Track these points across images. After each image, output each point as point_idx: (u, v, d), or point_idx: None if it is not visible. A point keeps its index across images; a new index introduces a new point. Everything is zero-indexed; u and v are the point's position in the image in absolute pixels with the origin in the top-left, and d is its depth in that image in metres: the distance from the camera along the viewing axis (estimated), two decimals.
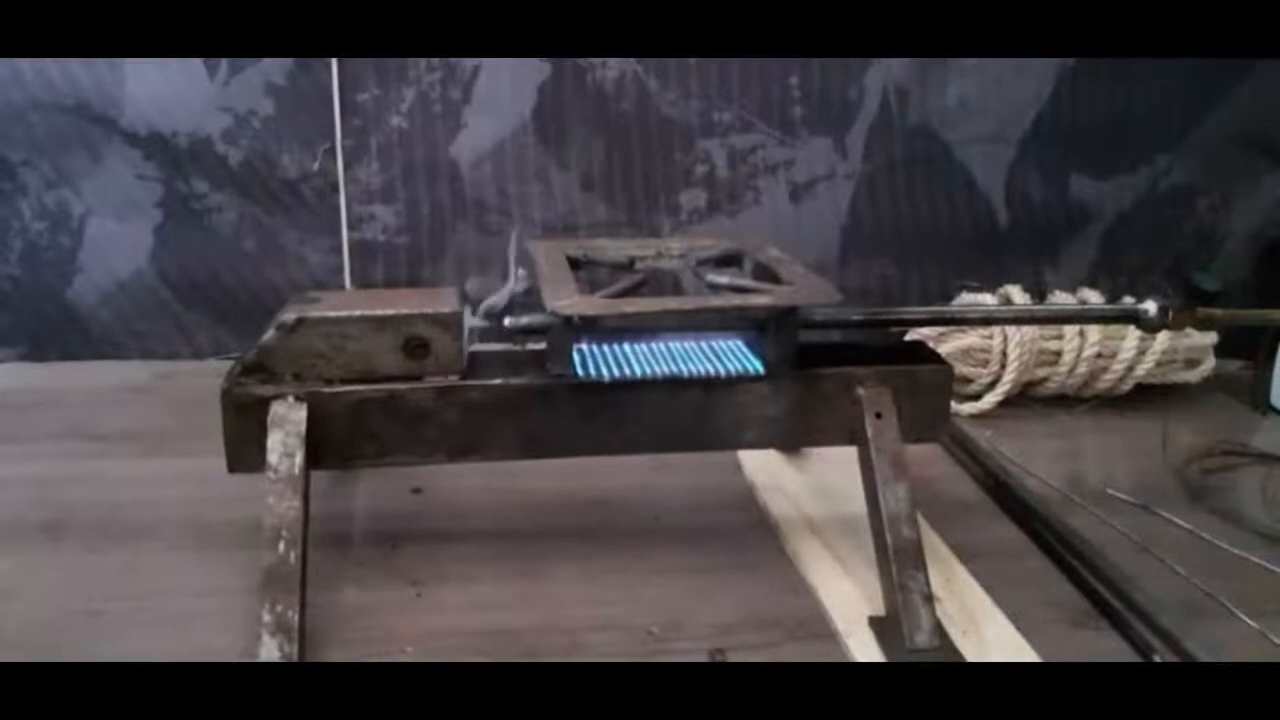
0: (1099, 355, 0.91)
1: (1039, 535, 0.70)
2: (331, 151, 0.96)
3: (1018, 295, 0.94)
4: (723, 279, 0.63)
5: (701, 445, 0.62)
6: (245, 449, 0.56)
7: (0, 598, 0.59)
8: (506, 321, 0.59)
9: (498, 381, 0.58)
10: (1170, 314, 0.63)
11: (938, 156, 1.04)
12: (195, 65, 0.92)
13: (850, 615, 0.59)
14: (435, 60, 0.95)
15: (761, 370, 0.59)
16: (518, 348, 0.62)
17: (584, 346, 0.60)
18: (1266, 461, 0.83)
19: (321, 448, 0.57)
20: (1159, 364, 0.92)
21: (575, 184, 1.00)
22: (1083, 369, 0.91)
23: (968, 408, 0.91)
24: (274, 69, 0.93)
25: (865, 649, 0.56)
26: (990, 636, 0.58)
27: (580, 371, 0.58)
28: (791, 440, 0.70)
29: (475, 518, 0.70)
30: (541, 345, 0.59)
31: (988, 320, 0.81)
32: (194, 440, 0.62)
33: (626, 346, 0.61)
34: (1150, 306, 0.63)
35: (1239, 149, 1.09)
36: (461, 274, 1.01)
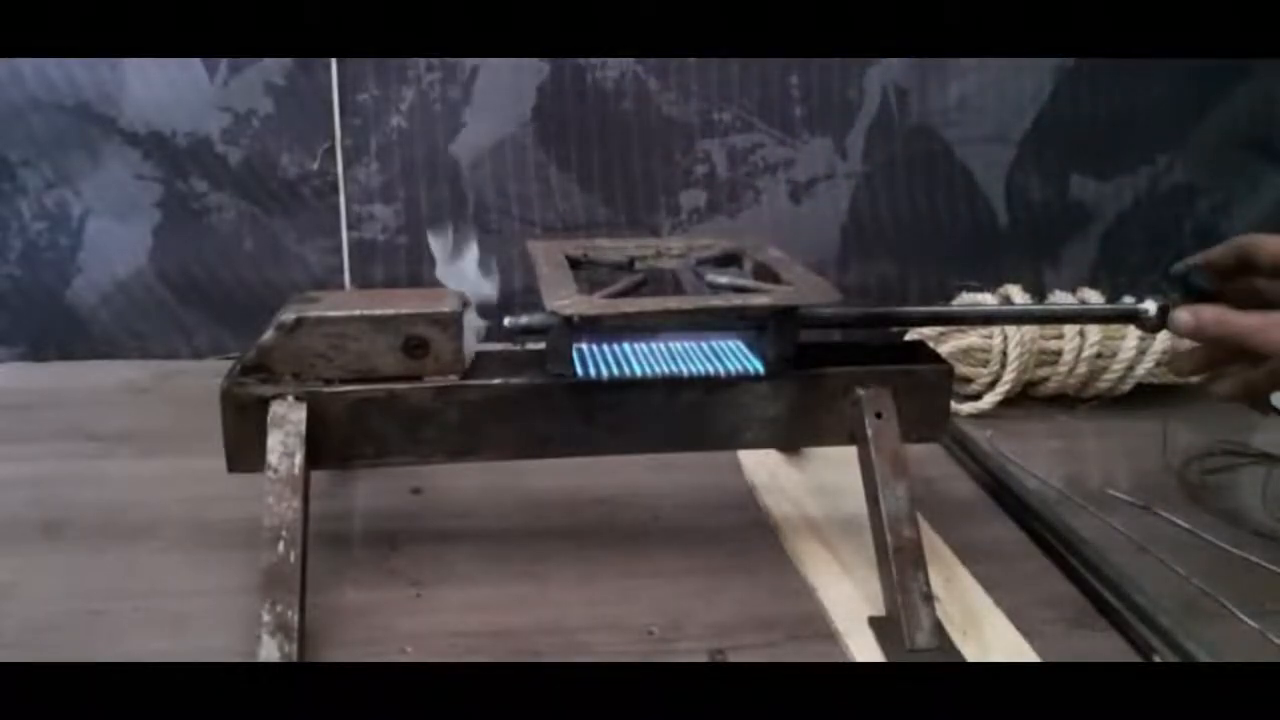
0: (1099, 355, 0.91)
1: (1039, 535, 0.70)
2: (331, 151, 0.96)
3: (1018, 295, 0.94)
4: (723, 279, 0.63)
5: (701, 445, 0.62)
6: (245, 449, 0.56)
7: (0, 597, 0.59)
8: (506, 321, 0.59)
9: (497, 381, 0.58)
10: (1170, 314, 0.63)
11: (938, 156, 1.04)
12: (195, 65, 0.92)
13: (850, 615, 0.59)
14: (435, 60, 0.95)
15: (761, 370, 0.59)
16: (517, 348, 0.62)
17: (584, 346, 0.60)
18: (1266, 461, 0.83)
19: (321, 448, 0.57)
20: (1159, 364, 0.92)
21: (575, 184, 1.00)
22: (1083, 369, 0.91)
23: (968, 408, 0.91)
24: (273, 69, 0.93)
25: (865, 649, 0.56)
26: (990, 636, 0.58)
27: (580, 371, 0.58)
28: (791, 440, 0.70)
29: (475, 518, 0.70)
30: (541, 345, 0.59)
31: (988, 320, 0.81)
32: (193, 440, 0.62)
33: (626, 346, 0.61)
34: (1150, 306, 0.63)
35: (1239, 149, 1.09)
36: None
